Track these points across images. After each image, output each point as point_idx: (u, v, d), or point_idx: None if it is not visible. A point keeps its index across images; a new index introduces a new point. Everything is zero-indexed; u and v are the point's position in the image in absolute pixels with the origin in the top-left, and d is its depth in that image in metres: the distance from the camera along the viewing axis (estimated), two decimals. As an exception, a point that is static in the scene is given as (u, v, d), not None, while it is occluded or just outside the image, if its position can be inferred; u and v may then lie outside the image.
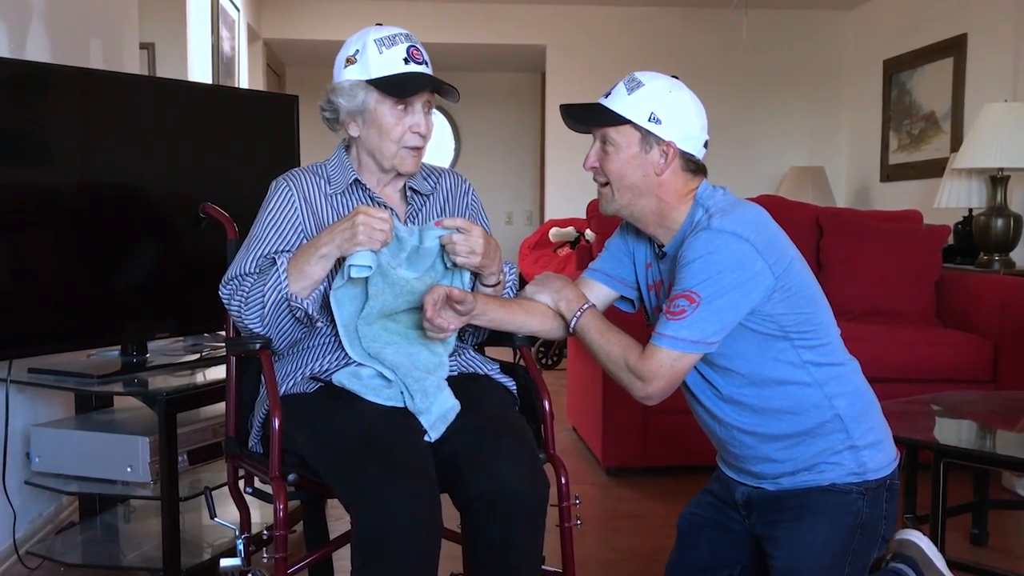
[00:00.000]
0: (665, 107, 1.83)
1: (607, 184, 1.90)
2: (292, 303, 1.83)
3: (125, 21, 3.74)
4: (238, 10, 6.08)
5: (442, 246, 1.90)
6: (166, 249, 2.76)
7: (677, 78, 1.89)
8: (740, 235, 1.76)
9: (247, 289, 1.88)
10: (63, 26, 3.05)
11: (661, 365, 1.79)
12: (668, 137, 1.84)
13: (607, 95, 1.88)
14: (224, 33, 5.60)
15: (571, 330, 1.96)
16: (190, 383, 2.54)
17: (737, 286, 1.75)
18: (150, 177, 2.69)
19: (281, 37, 7.20)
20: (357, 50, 1.93)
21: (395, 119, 1.93)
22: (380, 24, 1.98)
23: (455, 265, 1.92)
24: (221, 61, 5.50)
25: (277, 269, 1.84)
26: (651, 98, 1.83)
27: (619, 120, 1.85)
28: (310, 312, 1.85)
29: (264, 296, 1.84)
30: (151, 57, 4.90)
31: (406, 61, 1.92)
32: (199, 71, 5.05)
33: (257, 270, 1.91)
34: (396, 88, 1.91)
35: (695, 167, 1.89)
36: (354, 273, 1.82)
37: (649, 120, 1.83)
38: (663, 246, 1.93)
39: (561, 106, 1.92)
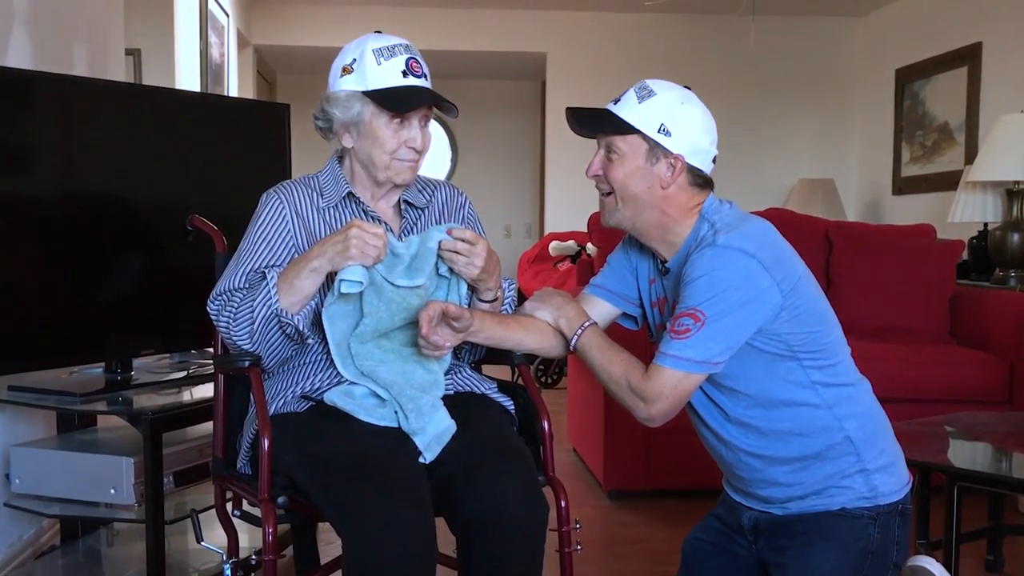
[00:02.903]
0: (676, 119, 1.81)
1: (611, 193, 1.88)
2: (282, 319, 1.81)
3: (110, 26, 3.70)
4: (227, 15, 6.04)
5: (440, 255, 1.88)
6: (152, 263, 2.72)
7: (689, 89, 1.86)
8: (746, 251, 1.73)
9: (236, 304, 1.85)
10: (46, 31, 3.01)
11: (664, 386, 1.75)
12: (677, 150, 1.81)
13: (616, 101, 1.86)
14: (213, 39, 5.58)
15: (571, 348, 1.94)
16: (176, 402, 2.51)
17: (743, 304, 1.72)
18: (136, 188, 2.66)
19: (272, 43, 7.16)
20: (354, 59, 1.90)
21: (391, 132, 1.91)
22: (379, 32, 1.96)
23: (451, 271, 1.89)
24: (210, 68, 5.48)
25: (267, 284, 1.82)
26: (662, 109, 1.81)
27: (627, 129, 1.82)
28: (300, 328, 1.83)
29: (253, 312, 1.82)
30: (137, 64, 4.89)
31: (405, 74, 1.89)
32: (187, 78, 5.03)
33: (247, 285, 1.89)
34: (393, 102, 1.89)
35: (702, 181, 1.86)
36: (344, 288, 1.80)
37: (658, 131, 1.80)
38: (666, 261, 1.90)
39: (568, 109, 1.89)
